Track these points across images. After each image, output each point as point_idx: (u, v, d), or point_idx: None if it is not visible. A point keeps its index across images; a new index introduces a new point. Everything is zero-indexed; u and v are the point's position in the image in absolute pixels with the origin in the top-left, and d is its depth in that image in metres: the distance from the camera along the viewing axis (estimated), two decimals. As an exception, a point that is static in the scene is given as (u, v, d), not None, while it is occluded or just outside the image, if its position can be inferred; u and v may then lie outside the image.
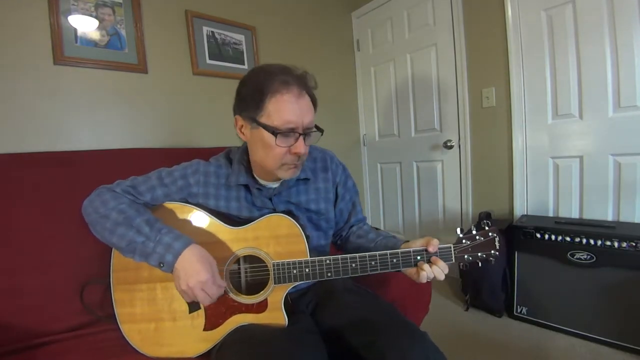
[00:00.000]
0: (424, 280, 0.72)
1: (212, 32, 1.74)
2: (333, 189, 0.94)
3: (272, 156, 0.76)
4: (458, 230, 0.77)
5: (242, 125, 0.80)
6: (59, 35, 1.28)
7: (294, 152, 0.75)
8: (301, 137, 0.75)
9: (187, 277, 0.68)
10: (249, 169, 0.85)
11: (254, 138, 0.78)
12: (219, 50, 1.77)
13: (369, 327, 0.72)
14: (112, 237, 0.73)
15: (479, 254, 0.76)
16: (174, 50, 1.62)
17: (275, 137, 0.73)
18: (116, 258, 0.80)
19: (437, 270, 0.73)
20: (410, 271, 0.76)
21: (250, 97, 0.74)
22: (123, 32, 1.45)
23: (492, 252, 0.76)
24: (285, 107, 0.72)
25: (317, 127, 0.79)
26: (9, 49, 1.20)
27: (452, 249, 0.75)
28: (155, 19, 1.55)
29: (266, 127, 0.73)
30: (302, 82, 0.75)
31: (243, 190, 0.85)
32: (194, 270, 0.68)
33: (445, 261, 0.74)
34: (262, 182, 0.85)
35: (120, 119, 1.47)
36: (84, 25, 1.35)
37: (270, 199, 0.86)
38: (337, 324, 0.77)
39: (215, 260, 0.73)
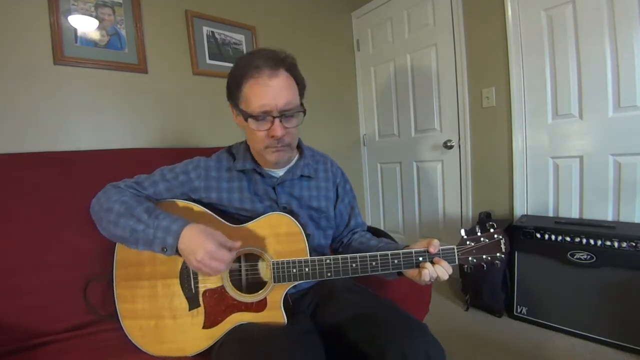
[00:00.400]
0: (427, 279, 0.71)
1: (212, 32, 1.74)
2: (333, 188, 0.96)
3: (255, 139, 0.79)
4: (462, 231, 0.75)
5: (236, 113, 0.83)
6: (59, 35, 1.28)
7: (271, 136, 0.76)
8: (277, 120, 0.75)
9: (193, 252, 0.68)
10: (254, 158, 0.87)
11: (242, 123, 0.81)
12: (219, 50, 1.77)
13: (369, 321, 0.72)
14: (116, 229, 0.74)
15: (484, 257, 0.74)
16: (174, 50, 1.62)
17: (247, 121, 0.76)
18: (119, 255, 0.81)
19: (441, 270, 0.71)
20: (412, 273, 0.75)
21: (232, 85, 0.78)
22: (123, 32, 1.45)
23: (498, 254, 0.74)
24: (257, 91, 0.73)
25: (302, 105, 0.79)
26: (9, 49, 1.20)
27: (456, 250, 0.74)
28: (155, 19, 1.55)
29: (243, 113, 0.76)
30: (277, 63, 0.74)
31: (245, 180, 0.86)
32: (197, 243, 0.68)
33: (448, 263, 0.73)
34: (266, 169, 0.86)
35: (120, 119, 1.47)
36: (84, 25, 1.35)
37: (274, 188, 0.86)
38: (338, 321, 0.77)
39: (219, 231, 0.72)
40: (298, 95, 0.80)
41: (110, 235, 0.77)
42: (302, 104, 0.81)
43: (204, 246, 0.68)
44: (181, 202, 0.83)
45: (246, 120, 0.76)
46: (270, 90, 0.73)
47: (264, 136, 0.77)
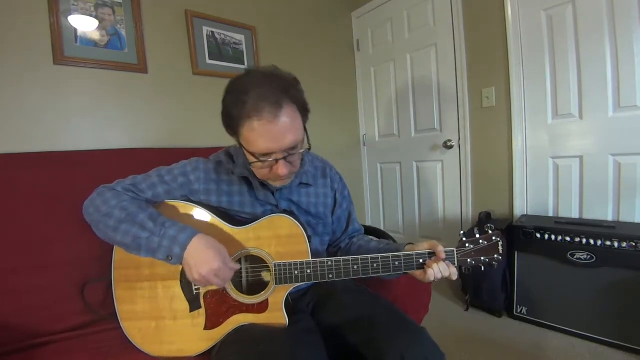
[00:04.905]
0: (432, 279, 0.72)
1: (212, 32, 1.74)
2: (332, 194, 0.95)
3: (258, 172, 0.76)
4: (462, 233, 0.77)
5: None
6: (59, 35, 1.28)
7: (274, 173, 0.74)
8: (281, 161, 0.70)
9: (198, 266, 0.68)
10: None
11: (243, 151, 0.76)
12: (219, 50, 1.77)
13: (368, 324, 0.73)
14: (116, 235, 0.72)
15: (482, 258, 0.75)
16: (174, 50, 1.61)
17: (247, 156, 0.72)
18: (117, 255, 0.80)
19: (449, 271, 0.72)
20: (416, 272, 0.76)
21: (227, 117, 0.71)
22: (123, 32, 1.44)
23: (496, 256, 0.75)
24: (258, 136, 0.67)
25: (305, 131, 0.74)
26: (9, 49, 1.19)
27: (455, 253, 0.75)
28: (155, 19, 1.54)
29: (244, 149, 0.72)
30: (279, 99, 0.66)
31: (245, 185, 0.85)
32: (205, 258, 0.68)
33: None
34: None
35: (120, 119, 1.46)
36: (84, 25, 1.34)
37: (273, 194, 0.86)
38: (337, 322, 0.77)
39: (223, 246, 0.72)
40: (303, 126, 0.73)
41: (108, 239, 0.76)
42: (306, 130, 0.74)
43: (210, 263, 0.68)
44: (182, 204, 0.82)
45: (254, 159, 0.71)
46: (274, 133, 0.66)
47: (268, 172, 0.74)
